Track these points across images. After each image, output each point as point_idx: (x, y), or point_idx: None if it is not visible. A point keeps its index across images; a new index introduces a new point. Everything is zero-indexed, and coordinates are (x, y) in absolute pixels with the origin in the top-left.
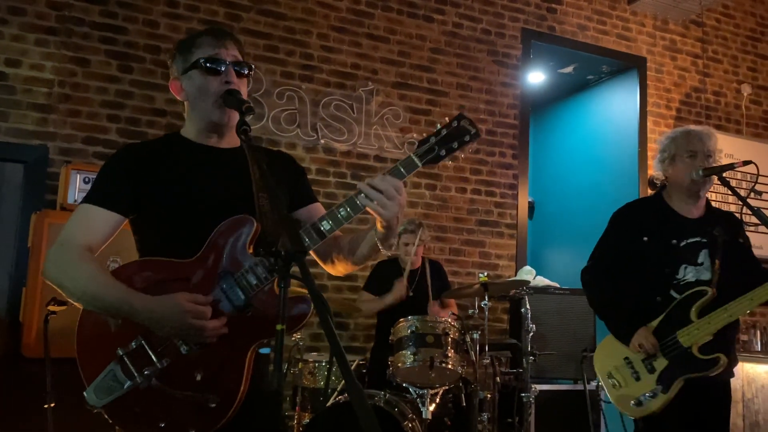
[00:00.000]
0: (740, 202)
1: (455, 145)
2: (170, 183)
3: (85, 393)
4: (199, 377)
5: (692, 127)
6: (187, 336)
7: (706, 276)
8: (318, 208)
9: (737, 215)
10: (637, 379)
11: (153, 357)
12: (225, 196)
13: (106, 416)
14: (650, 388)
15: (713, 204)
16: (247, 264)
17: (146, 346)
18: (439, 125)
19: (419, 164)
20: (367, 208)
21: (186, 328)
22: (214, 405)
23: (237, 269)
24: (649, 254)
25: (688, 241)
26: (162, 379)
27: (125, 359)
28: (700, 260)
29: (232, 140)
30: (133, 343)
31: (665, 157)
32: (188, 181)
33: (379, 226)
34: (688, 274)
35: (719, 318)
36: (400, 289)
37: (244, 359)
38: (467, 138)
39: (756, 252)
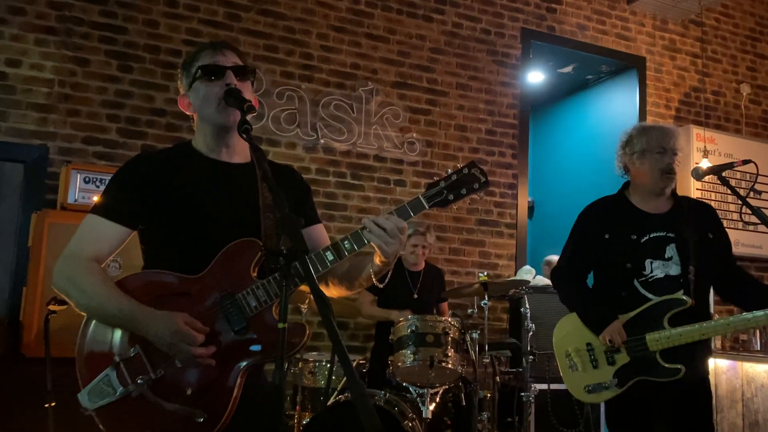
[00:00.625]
0: (740, 202)
1: (464, 191)
2: (178, 198)
3: (78, 395)
4: (189, 391)
5: (661, 123)
6: (175, 355)
7: (675, 271)
8: (320, 230)
9: (711, 208)
10: (595, 367)
11: (148, 366)
12: (232, 213)
13: (97, 420)
14: (606, 379)
15: (715, 203)
16: (249, 286)
17: (143, 356)
18: (449, 170)
19: (426, 206)
20: (371, 243)
21: (175, 350)
22: (201, 420)
23: (239, 290)
24: (611, 251)
25: (651, 236)
26: (154, 390)
27: (121, 366)
28: (667, 255)
29: (242, 153)
30: (131, 351)
31: (635, 151)
32: (196, 197)
33: (377, 260)
34: (655, 270)
35: (692, 335)
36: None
37: (235, 380)
38: (476, 186)
39: (756, 252)
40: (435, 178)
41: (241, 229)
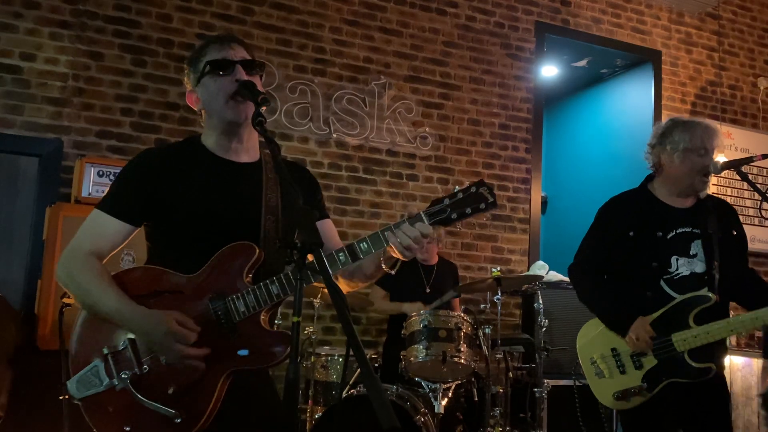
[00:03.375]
0: (757, 197)
1: (468, 210)
2: (182, 196)
3: (67, 383)
4: (170, 391)
5: (705, 121)
6: (165, 354)
7: (700, 268)
8: (328, 225)
9: (732, 207)
10: (623, 372)
11: (134, 362)
12: (235, 214)
13: (82, 410)
14: (635, 384)
15: (731, 199)
16: (240, 290)
17: (131, 350)
18: (456, 187)
19: (426, 223)
20: (393, 247)
21: (166, 349)
22: (178, 421)
23: (230, 293)
24: (636, 249)
25: (677, 231)
26: (136, 385)
27: (109, 358)
28: (692, 251)
29: (251, 151)
30: (120, 345)
31: (677, 148)
32: (200, 197)
33: (394, 254)
34: (681, 267)
35: (720, 332)
36: (420, 308)
37: (216, 382)
38: (483, 206)
39: None
40: (439, 195)
41: (242, 231)
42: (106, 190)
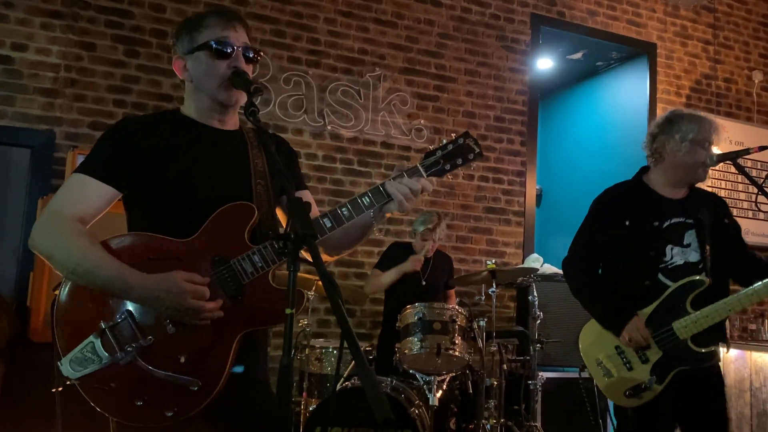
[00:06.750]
0: (751, 190)
1: (459, 161)
2: (168, 161)
3: (59, 364)
4: (182, 359)
5: (709, 115)
6: (182, 316)
7: (694, 257)
8: (306, 195)
9: (721, 197)
10: (630, 369)
11: (137, 333)
12: (223, 179)
13: (81, 390)
14: (645, 379)
15: (725, 192)
16: (243, 251)
17: (131, 322)
18: (444, 140)
19: (424, 175)
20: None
21: (183, 308)
22: (195, 388)
23: (233, 255)
24: (633, 238)
25: (672, 221)
26: (145, 357)
27: (107, 333)
28: (686, 241)
29: (233, 122)
30: (118, 318)
31: (686, 138)
32: (187, 161)
33: (389, 213)
34: (675, 256)
35: (718, 313)
36: (414, 262)
37: (229, 347)
38: (471, 156)
39: (766, 241)
40: (431, 148)
41: (234, 194)
42: (87, 154)
